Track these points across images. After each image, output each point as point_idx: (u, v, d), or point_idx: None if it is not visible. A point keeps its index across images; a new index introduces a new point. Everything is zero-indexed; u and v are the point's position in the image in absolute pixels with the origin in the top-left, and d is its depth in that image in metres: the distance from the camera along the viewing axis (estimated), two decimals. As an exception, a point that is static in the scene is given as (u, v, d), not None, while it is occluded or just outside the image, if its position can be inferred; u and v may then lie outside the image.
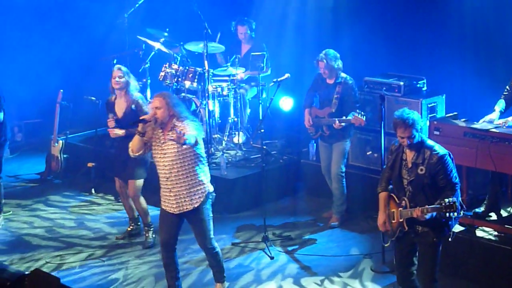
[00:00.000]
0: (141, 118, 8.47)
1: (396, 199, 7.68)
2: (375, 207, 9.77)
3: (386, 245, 8.21)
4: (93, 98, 12.72)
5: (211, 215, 8.48)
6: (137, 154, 8.60)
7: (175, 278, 8.65)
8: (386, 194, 7.80)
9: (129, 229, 10.67)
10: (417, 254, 7.76)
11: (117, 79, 10.00)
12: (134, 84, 10.20)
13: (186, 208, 8.30)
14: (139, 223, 10.64)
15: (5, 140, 11.07)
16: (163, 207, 8.48)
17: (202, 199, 8.31)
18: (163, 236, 8.57)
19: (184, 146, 8.06)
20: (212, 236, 8.52)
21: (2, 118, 10.80)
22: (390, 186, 7.81)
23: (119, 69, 10.11)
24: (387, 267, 9.47)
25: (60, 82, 13.28)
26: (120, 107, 10.14)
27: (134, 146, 8.49)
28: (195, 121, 8.43)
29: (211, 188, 8.45)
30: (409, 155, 7.52)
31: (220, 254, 8.73)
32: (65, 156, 12.91)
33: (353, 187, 10.82)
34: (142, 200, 10.34)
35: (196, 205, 8.29)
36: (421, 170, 7.36)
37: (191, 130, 8.11)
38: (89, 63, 13.53)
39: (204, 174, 8.41)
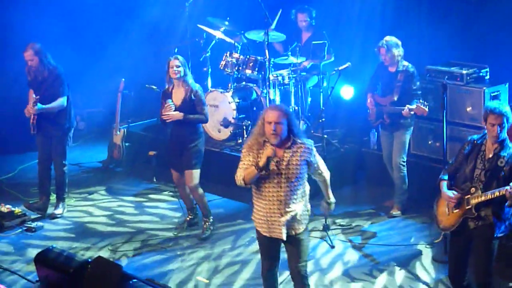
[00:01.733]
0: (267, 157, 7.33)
1: (458, 190, 7.69)
2: (436, 195, 9.92)
3: (436, 241, 8.16)
4: (154, 87, 12.88)
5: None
6: (247, 185, 7.60)
7: None
8: (448, 183, 7.82)
9: (187, 219, 10.78)
10: (471, 249, 7.75)
11: (175, 68, 10.02)
12: (189, 75, 10.26)
13: (295, 233, 7.54)
14: (197, 212, 10.73)
15: (70, 128, 11.29)
16: (264, 233, 7.62)
17: (307, 221, 7.69)
18: (268, 265, 7.86)
19: (305, 169, 7.47)
20: (306, 263, 7.82)
21: (66, 104, 11.06)
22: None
23: (177, 58, 10.15)
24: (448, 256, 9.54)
25: (122, 71, 13.47)
26: (178, 97, 10.16)
27: (248, 178, 7.47)
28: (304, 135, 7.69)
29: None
30: (491, 147, 7.51)
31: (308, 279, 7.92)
32: (126, 144, 13.09)
33: (414, 176, 10.84)
34: (200, 190, 10.38)
35: (300, 230, 7.56)
36: (501, 162, 7.37)
37: (323, 163, 7.72)
38: (150, 52, 13.67)
39: (309, 201, 7.71)
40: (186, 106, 10.07)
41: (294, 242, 7.58)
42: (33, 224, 11.09)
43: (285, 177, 7.36)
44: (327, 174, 7.77)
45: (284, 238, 7.48)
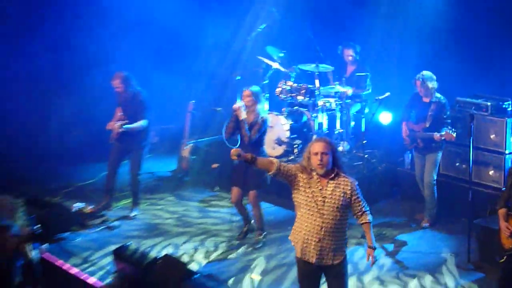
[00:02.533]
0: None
1: None
2: (462, 211, 9.87)
3: (501, 261, 7.83)
4: (218, 109, 12.95)
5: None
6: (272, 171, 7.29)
7: None
8: (505, 211, 7.74)
9: (245, 229, 10.67)
10: None
11: (247, 98, 10.05)
12: (264, 105, 10.26)
13: (328, 263, 7.10)
14: (252, 222, 10.60)
15: (146, 144, 11.49)
16: (301, 257, 7.22)
17: (343, 256, 7.20)
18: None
19: (348, 202, 7.07)
20: None
21: (146, 125, 11.22)
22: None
23: (248, 89, 10.15)
24: (472, 265, 9.48)
25: (192, 95, 13.55)
26: (248, 119, 10.07)
27: (260, 163, 7.42)
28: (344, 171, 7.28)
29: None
30: None
31: None
32: (193, 157, 13.12)
33: (443, 193, 10.77)
34: (260, 207, 10.34)
35: (338, 261, 7.13)
36: None
37: (363, 201, 7.18)
38: (217, 79, 13.70)
39: (347, 236, 7.29)
40: (255, 128, 10.07)
41: (334, 273, 7.20)
42: (112, 224, 11.24)
43: (327, 205, 7.02)
44: (368, 216, 7.21)
45: (314, 261, 7.06)
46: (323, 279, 7.29)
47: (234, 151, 7.36)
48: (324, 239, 6.99)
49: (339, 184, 7.05)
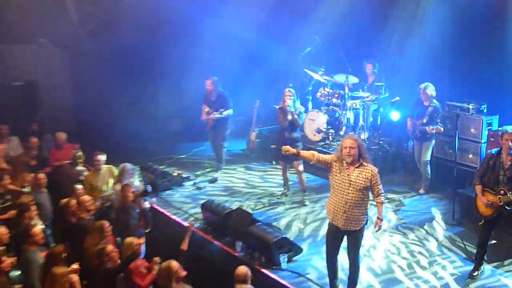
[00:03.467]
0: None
1: (490, 190, 7.70)
2: (449, 183, 9.87)
3: (480, 223, 7.95)
4: (276, 106, 12.98)
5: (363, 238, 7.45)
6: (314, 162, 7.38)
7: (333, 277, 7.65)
8: (481, 187, 7.80)
9: (284, 191, 10.78)
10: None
11: (288, 96, 10.20)
12: (297, 101, 10.34)
13: (351, 228, 7.20)
14: (290, 187, 10.72)
15: (228, 127, 11.91)
16: (332, 222, 7.31)
17: (363, 224, 7.25)
18: (329, 247, 7.49)
19: (368, 185, 7.12)
20: (359, 255, 7.51)
21: (231, 114, 11.66)
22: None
23: (289, 89, 10.33)
24: (455, 222, 9.56)
25: (258, 95, 13.52)
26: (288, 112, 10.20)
27: (303, 155, 7.56)
28: (371, 162, 7.29)
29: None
30: (505, 158, 7.58)
31: (359, 270, 7.59)
32: (257, 140, 13.22)
33: (435, 170, 10.82)
34: (303, 174, 10.38)
35: (357, 228, 7.20)
36: None
37: (380, 185, 7.20)
38: (276, 85, 13.65)
39: (368, 205, 7.31)
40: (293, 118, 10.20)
41: (353, 237, 7.27)
42: (200, 185, 11.49)
43: (352, 187, 7.08)
44: (381, 198, 7.22)
45: (341, 227, 7.16)
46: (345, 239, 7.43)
47: (284, 148, 7.56)
48: (348, 211, 7.09)
49: (363, 171, 7.08)
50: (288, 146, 7.62)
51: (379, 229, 7.33)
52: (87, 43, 14.20)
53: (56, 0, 13.74)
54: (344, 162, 7.14)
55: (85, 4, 13.90)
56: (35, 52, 14.13)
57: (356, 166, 7.11)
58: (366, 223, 7.31)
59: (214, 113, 11.50)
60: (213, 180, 11.65)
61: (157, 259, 7.49)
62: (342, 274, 7.82)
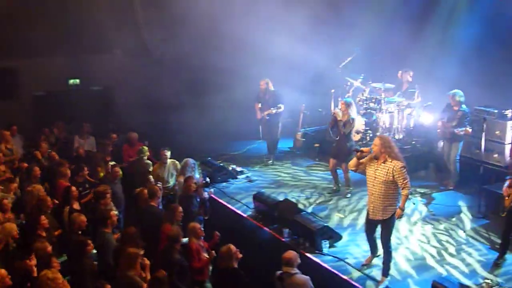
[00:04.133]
0: (361, 149, 7.64)
1: None
2: (475, 179, 9.71)
3: (502, 215, 7.87)
4: (320, 109, 13.10)
5: (394, 226, 7.46)
6: (353, 169, 7.68)
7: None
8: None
9: (334, 188, 10.69)
10: None
11: (342, 106, 10.21)
12: (353, 110, 10.27)
13: (378, 218, 7.33)
14: (340, 185, 10.61)
15: (280, 121, 12.25)
16: (368, 210, 7.53)
17: (390, 215, 7.26)
18: (366, 231, 7.78)
19: (391, 179, 7.14)
20: (391, 239, 7.49)
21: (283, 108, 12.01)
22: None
23: (345, 101, 10.31)
24: (481, 215, 9.39)
25: (303, 100, 13.41)
26: (342, 120, 10.17)
27: (351, 164, 7.68)
28: (400, 157, 7.29)
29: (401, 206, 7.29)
30: None
31: (392, 255, 7.60)
32: (303, 139, 13.16)
33: (463, 168, 10.62)
34: (349, 172, 10.27)
35: (385, 218, 7.27)
36: None
37: (405, 178, 7.14)
38: (318, 90, 13.64)
39: (398, 198, 7.25)
40: (345, 124, 10.15)
41: (383, 225, 7.38)
42: (252, 178, 11.57)
43: (376, 180, 7.23)
44: (406, 191, 7.17)
45: (370, 216, 7.39)
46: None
47: (359, 154, 7.56)
48: (374, 202, 7.28)
49: (386, 166, 7.18)
50: (361, 150, 7.67)
51: (399, 217, 7.31)
52: (154, 52, 14.49)
53: (129, 15, 14.07)
54: (373, 159, 7.31)
55: (153, 17, 14.14)
56: (111, 61, 14.50)
57: (382, 161, 7.21)
58: (394, 215, 7.31)
59: (271, 109, 11.89)
60: (250, 180, 11.51)
61: (216, 233, 7.89)
62: (379, 260, 7.87)
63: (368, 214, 7.50)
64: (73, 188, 8.79)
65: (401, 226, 9.07)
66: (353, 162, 7.63)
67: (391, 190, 7.18)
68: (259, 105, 12.05)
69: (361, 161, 7.50)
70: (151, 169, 10.58)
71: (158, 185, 9.32)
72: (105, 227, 7.80)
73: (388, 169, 7.14)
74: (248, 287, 6.74)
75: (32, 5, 12.89)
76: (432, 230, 9.04)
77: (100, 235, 7.78)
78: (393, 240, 7.99)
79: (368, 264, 7.90)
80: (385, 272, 7.48)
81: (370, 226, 7.59)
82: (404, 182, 7.14)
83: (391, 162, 7.17)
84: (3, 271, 6.05)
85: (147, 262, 6.91)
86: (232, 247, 6.87)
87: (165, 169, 10.37)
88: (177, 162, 10.51)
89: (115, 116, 14.11)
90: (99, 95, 14.78)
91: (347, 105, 10.18)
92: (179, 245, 7.25)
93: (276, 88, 12.24)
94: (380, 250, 7.67)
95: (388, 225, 7.30)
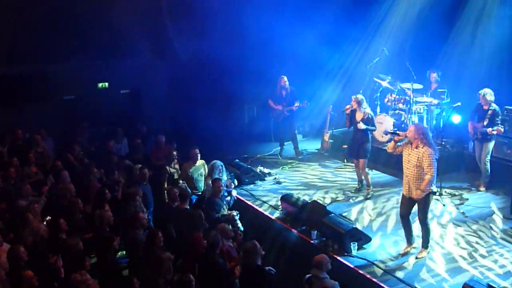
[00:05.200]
0: (397, 132, 8.25)
1: None
2: (507, 180, 9.60)
3: None
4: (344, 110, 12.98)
5: (430, 204, 7.96)
6: (390, 151, 8.26)
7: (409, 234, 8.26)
8: None
9: (357, 186, 10.70)
10: None
11: (354, 102, 10.28)
12: (365, 105, 10.31)
13: (413, 197, 7.84)
14: (363, 182, 10.60)
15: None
16: (403, 190, 8.05)
17: (424, 194, 7.75)
18: (401, 211, 8.16)
19: (421, 163, 7.68)
20: (428, 216, 8.01)
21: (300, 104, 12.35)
22: None
23: (355, 97, 10.34)
24: (513, 216, 9.25)
25: (331, 102, 13.48)
26: (358, 116, 10.28)
27: (389, 146, 8.26)
28: (432, 145, 7.79)
29: (434, 189, 7.89)
30: None
31: (430, 230, 8.19)
32: (331, 141, 13.09)
33: (494, 168, 10.46)
34: (367, 170, 10.37)
35: (419, 197, 7.78)
36: None
37: (430, 164, 7.62)
38: (346, 91, 13.51)
39: (428, 180, 7.69)
40: (364, 122, 10.22)
41: (418, 203, 7.92)
42: (280, 180, 11.55)
43: (410, 163, 7.83)
44: (428, 176, 7.65)
45: (405, 194, 7.95)
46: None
47: (397, 138, 8.21)
48: (409, 183, 7.87)
49: (419, 151, 7.73)
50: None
51: (417, 197, 7.83)
52: (181, 55, 14.59)
53: (156, 19, 14.19)
54: (408, 144, 7.92)
55: (180, 19, 14.24)
56: (138, 63, 14.65)
57: (415, 147, 7.78)
58: (430, 194, 7.86)
59: (296, 104, 12.37)
60: (278, 182, 11.52)
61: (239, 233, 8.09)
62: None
63: (403, 193, 8.04)
64: (106, 191, 8.91)
65: (432, 228, 8.95)
66: (390, 145, 8.25)
67: (423, 173, 7.73)
68: (273, 104, 12.58)
69: (398, 144, 8.11)
70: (177, 176, 10.63)
71: (184, 185, 9.44)
72: (135, 227, 7.90)
73: (419, 155, 7.70)
74: (272, 284, 6.75)
75: (61, 10, 13.10)
76: (463, 232, 8.93)
77: (130, 235, 7.88)
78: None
79: (405, 253, 8.21)
80: (425, 244, 8.09)
81: (405, 205, 8.06)
82: (429, 168, 7.66)
83: (422, 148, 7.70)
84: (30, 272, 6.16)
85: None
86: (257, 243, 6.89)
87: (195, 167, 10.46)
88: (205, 163, 10.59)
89: (142, 119, 14.26)
90: (127, 98, 14.96)
91: (358, 101, 10.23)
92: (218, 250, 7.28)
93: (301, 88, 12.43)
94: (416, 242, 8.24)
95: (423, 204, 7.86)
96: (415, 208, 8.08)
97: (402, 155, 8.02)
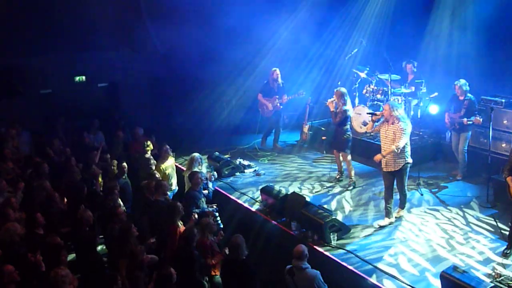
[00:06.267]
0: (375, 113, 9.02)
1: None
2: (483, 169, 9.66)
3: None
4: (326, 102, 12.99)
5: (407, 175, 8.72)
6: (369, 131, 9.41)
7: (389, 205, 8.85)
8: (511, 178, 7.80)
9: (337, 177, 10.74)
10: None
11: (335, 96, 10.33)
12: (346, 100, 10.33)
13: (391, 170, 8.60)
14: (343, 174, 10.69)
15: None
16: (382, 166, 8.72)
17: (400, 166, 8.53)
18: (385, 182, 8.82)
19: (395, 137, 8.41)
20: (405, 185, 8.77)
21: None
22: None
23: (338, 90, 10.37)
24: (489, 204, 9.38)
25: (310, 93, 13.34)
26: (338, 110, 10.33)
27: (369, 127, 9.10)
28: (404, 120, 8.53)
29: (409, 160, 8.59)
30: None
31: (407, 194, 8.97)
32: (310, 132, 13.07)
33: (471, 158, 10.53)
34: (350, 163, 10.40)
35: (396, 169, 8.56)
36: None
37: (401, 137, 8.36)
38: (325, 83, 13.59)
39: (406, 152, 8.52)
40: (340, 114, 10.24)
41: (398, 174, 8.63)
42: (260, 172, 11.53)
43: (389, 139, 8.52)
44: (395, 146, 8.39)
45: (384, 169, 8.66)
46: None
47: (374, 117, 9.00)
48: (386, 157, 8.57)
49: (395, 127, 8.47)
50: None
51: (377, 160, 8.73)
52: (159, 47, 14.47)
53: (134, 12, 14.05)
54: (384, 122, 8.62)
55: (158, 13, 14.10)
56: (116, 57, 14.49)
57: (391, 123, 8.50)
58: (406, 165, 8.58)
59: (287, 96, 12.37)
60: (257, 174, 11.49)
61: (220, 232, 7.92)
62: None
63: (382, 169, 8.74)
64: (84, 186, 8.79)
65: (409, 217, 9.09)
66: (369, 125, 8.98)
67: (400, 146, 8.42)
68: (262, 97, 12.35)
69: (375, 124, 8.85)
70: (153, 164, 10.49)
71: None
72: (113, 222, 7.82)
73: (395, 129, 8.44)
74: (256, 279, 6.75)
75: (36, 3, 12.89)
76: (441, 221, 9.00)
77: (109, 231, 7.80)
78: (401, 231, 8.63)
79: (382, 227, 8.80)
80: (402, 205, 9.00)
81: (387, 179, 8.76)
82: (398, 140, 8.40)
83: (398, 123, 8.43)
84: (10, 266, 6.08)
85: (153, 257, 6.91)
86: (242, 238, 6.89)
87: (167, 164, 10.35)
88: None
89: (121, 112, 14.12)
90: (104, 92, 14.79)
91: (339, 94, 10.29)
92: (194, 243, 7.22)
93: (283, 80, 12.36)
94: (393, 217, 8.94)
95: (401, 175, 8.62)
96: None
97: (380, 135, 8.75)
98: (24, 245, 7.11)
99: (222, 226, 8.67)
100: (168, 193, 9.36)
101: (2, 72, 12.95)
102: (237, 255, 6.77)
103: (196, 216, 8.39)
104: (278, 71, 12.24)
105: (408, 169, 8.67)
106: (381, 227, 8.76)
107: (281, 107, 12.47)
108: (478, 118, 9.89)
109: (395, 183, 8.77)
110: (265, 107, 12.53)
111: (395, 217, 8.93)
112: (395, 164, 8.53)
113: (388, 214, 8.85)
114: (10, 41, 12.68)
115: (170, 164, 10.36)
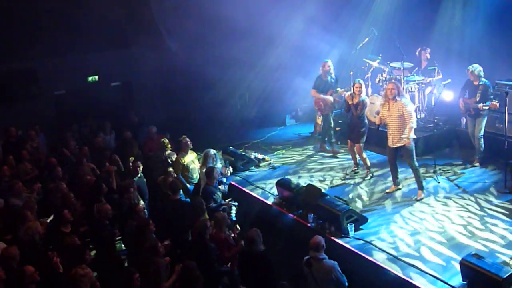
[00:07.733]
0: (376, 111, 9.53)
1: None
2: (501, 155, 9.56)
3: None
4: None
5: (414, 149, 9.01)
6: (378, 123, 9.30)
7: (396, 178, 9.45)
8: None
9: (354, 169, 10.63)
10: None
11: (357, 87, 10.20)
12: (364, 91, 10.33)
13: (397, 145, 8.99)
14: (359, 166, 10.58)
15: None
16: (388, 143, 9.13)
17: (406, 142, 8.91)
18: (389, 157, 9.30)
19: (401, 113, 8.82)
20: (415, 160, 9.04)
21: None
22: None
23: (359, 82, 10.28)
24: (507, 190, 9.23)
25: None
26: (355, 101, 10.22)
27: (377, 120, 9.31)
28: (404, 97, 9.03)
29: (414, 136, 8.99)
30: None
31: (419, 170, 9.18)
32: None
33: (487, 143, 10.39)
34: (364, 154, 10.32)
35: (403, 144, 8.93)
36: None
37: (411, 116, 8.83)
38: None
39: (411, 128, 8.86)
40: (359, 106, 10.15)
41: (404, 150, 8.99)
42: (274, 165, 11.50)
43: (394, 116, 8.90)
44: (410, 124, 8.83)
45: (390, 145, 9.05)
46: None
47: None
48: (393, 133, 8.98)
49: (398, 105, 8.88)
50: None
51: (403, 143, 9.02)
52: (172, 45, 14.47)
53: (146, 12, 14.06)
54: (389, 100, 8.92)
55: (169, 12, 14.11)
56: (129, 56, 14.53)
57: (394, 102, 8.89)
58: (411, 141, 8.94)
59: (344, 89, 11.39)
60: (272, 167, 11.42)
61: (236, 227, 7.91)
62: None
63: (388, 145, 9.11)
64: (102, 184, 8.81)
65: (427, 205, 9.00)
66: (377, 119, 9.23)
67: (404, 122, 8.84)
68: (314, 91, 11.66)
69: (379, 114, 9.16)
70: (173, 159, 10.47)
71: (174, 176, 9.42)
72: (133, 220, 7.83)
73: (399, 107, 8.83)
74: (273, 271, 6.73)
75: (48, 5, 12.95)
76: (458, 208, 8.89)
77: (128, 227, 7.81)
78: (419, 220, 8.51)
79: (391, 192, 9.49)
80: (420, 186, 9.20)
81: (391, 154, 9.19)
82: (409, 115, 8.82)
83: (401, 101, 8.86)
84: (31, 267, 6.12)
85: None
86: (259, 231, 6.87)
87: (189, 157, 10.30)
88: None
89: (135, 111, 14.16)
90: (118, 90, 14.85)
91: (360, 86, 10.23)
92: (207, 235, 7.21)
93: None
94: (401, 184, 9.59)
95: (409, 151, 8.95)
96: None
97: (381, 113, 9.12)
98: (44, 246, 7.16)
99: (234, 219, 8.65)
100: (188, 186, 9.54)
101: (15, 74, 13.06)
102: (253, 248, 6.75)
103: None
104: (330, 63, 11.38)
105: (413, 143, 9.01)
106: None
107: (339, 100, 11.68)
108: (494, 102, 9.73)
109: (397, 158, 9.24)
110: (322, 103, 11.65)
111: (416, 200, 9.16)
112: (401, 139, 8.90)
113: (395, 183, 9.46)
114: (22, 44, 12.76)
115: (191, 157, 10.30)
